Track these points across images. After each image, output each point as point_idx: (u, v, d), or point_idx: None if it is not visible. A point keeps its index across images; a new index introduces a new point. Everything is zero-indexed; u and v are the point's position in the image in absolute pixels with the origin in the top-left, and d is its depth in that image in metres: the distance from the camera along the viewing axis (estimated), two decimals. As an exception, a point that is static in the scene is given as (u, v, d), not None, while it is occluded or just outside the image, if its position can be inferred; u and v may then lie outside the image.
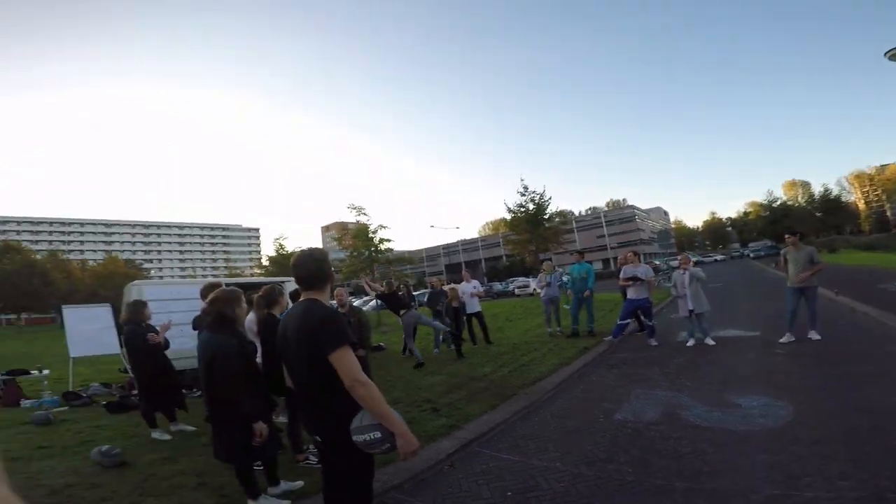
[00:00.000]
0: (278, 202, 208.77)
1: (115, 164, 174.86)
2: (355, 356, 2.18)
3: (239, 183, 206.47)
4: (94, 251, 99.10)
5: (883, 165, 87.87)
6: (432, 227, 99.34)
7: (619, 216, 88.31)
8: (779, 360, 6.47)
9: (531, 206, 28.81)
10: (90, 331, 8.82)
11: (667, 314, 12.76)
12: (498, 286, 42.53)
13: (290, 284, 10.18)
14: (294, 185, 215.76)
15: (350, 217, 21.10)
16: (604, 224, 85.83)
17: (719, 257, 65.98)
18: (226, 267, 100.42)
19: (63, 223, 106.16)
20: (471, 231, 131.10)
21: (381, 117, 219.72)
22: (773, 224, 70.83)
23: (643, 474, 3.47)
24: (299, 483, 3.72)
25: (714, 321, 9.98)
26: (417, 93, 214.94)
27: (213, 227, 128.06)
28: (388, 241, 20.75)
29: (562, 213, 42.17)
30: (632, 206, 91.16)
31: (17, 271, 45.47)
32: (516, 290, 35.24)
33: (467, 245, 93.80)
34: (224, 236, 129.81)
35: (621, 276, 9.07)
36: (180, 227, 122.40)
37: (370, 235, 20.34)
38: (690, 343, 8.16)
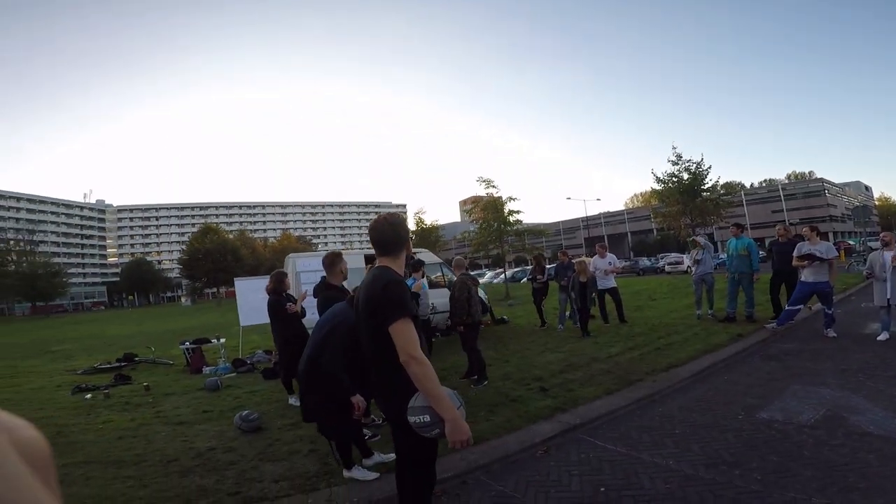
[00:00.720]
0: (424, 180, 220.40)
1: (287, 152, 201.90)
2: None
3: (392, 164, 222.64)
4: (274, 230, 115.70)
5: None
6: (569, 198, 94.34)
7: (803, 189, 74.49)
8: None
9: (685, 176, 25.56)
10: (258, 300, 10.07)
11: (857, 302, 10.33)
12: (645, 262, 39.32)
13: (423, 255, 10.74)
14: (439, 163, 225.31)
15: (480, 190, 21.12)
16: (782, 197, 73.18)
17: None
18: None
19: (249, 206, 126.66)
20: (616, 204, 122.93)
21: (524, 90, 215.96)
22: None
23: (774, 485, 2.80)
24: (392, 455, 3.77)
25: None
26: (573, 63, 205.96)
27: (367, 205, 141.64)
28: (518, 212, 20.32)
29: (728, 185, 36.90)
30: (820, 179, 76.08)
31: (215, 249, 55.66)
32: (667, 266, 32.10)
33: (610, 218, 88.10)
34: (377, 212, 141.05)
35: (794, 253, 7.48)
36: (341, 205, 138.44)
37: (499, 207, 20.13)
38: (883, 337, 6.46)
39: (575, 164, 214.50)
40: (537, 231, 23.87)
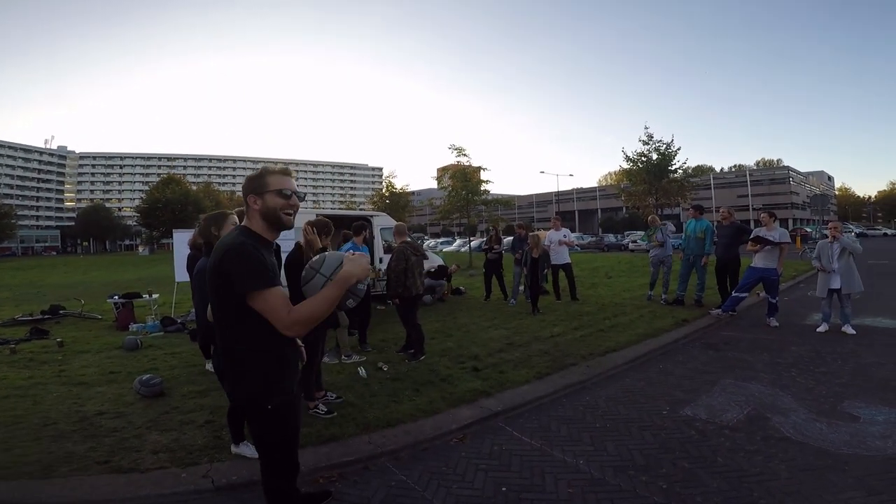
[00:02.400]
0: (404, 147, 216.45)
1: (263, 107, 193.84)
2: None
3: (372, 129, 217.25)
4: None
5: None
6: (542, 172, 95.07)
7: (769, 176, 76.52)
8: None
9: (654, 156, 25.49)
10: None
11: (804, 290, 10.50)
12: (611, 238, 39.88)
13: (380, 220, 10.31)
14: (420, 131, 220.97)
15: (452, 158, 20.56)
16: (748, 183, 75.07)
17: (890, 231, 54.68)
18: (342, 202, 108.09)
19: (219, 159, 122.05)
20: (590, 180, 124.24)
21: (504, 62, 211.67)
22: None
23: (677, 496, 2.63)
24: None
25: (866, 306, 7.93)
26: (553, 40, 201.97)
27: (342, 166, 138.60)
28: (487, 182, 19.93)
29: (698, 168, 37.20)
30: (786, 167, 78.11)
31: (175, 199, 53.74)
32: (630, 244, 32.60)
33: (582, 194, 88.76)
34: (352, 174, 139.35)
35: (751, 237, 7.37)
36: (315, 164, 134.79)
37: (469, 176, 19.68)
38: (822, 329, 6.52)
39: (553, 140, 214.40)
40: (505, 202, 23.56)
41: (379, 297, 8.68)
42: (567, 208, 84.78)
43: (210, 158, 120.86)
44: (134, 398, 4.38)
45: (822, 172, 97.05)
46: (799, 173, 79.76)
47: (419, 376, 4.85)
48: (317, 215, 9.21)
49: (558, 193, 60.87)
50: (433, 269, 9.98)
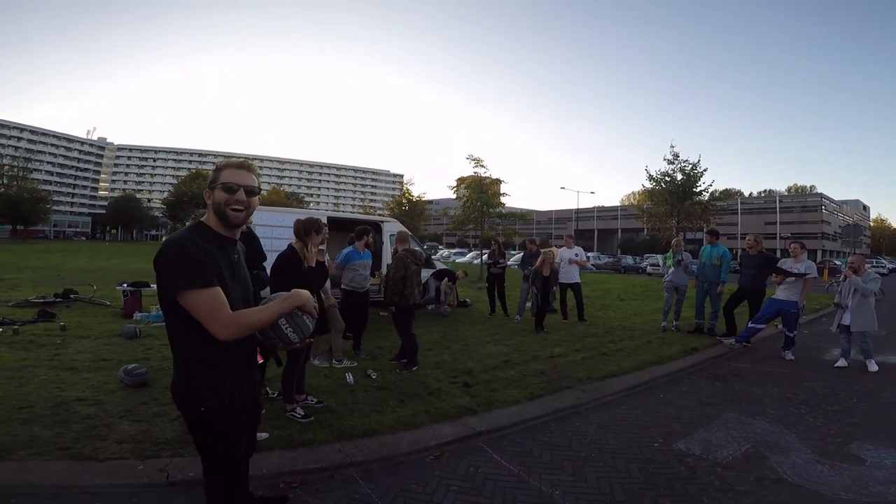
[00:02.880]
0: (425, 154, 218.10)
1: (293, 108, 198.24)
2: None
3: (395, 133, 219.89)
4: (268, 184, 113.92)
5: None
6: (563, 188, 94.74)
7: (801, 203, 74.13)
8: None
9: (679, 177, 24.88)
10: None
11: (827, 324, 9.99)
12: (628, 260, 39.18)
13: (390, 226, 10.26)
14: (440, 138, 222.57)
15: (470, 168, 20.50)
16: (777, 209, 72.94)
17: None
18: (362, 206, 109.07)
19: (247, 158, 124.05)
20: (612, 199, 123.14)
21: (531, 75, 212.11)
22: None
23: None
24: (263, 435, 3.36)
25: (891, 343, 7.52)
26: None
27: (364, 171, 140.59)
28: (504, 195, 19.80)
29: (726, 192, 36.37)
30: (819, 194, 75.64)
31: (200, 194, 55.42)
32: (649, 267, 31.92)
33: (604, 213, 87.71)
34: (373, 179, 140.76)
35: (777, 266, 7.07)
36: (338, 168, 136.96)
37: (485, 187, 19.58)
38: (840, 364, 6.21)
39: (577, 156, 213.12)
40: (521, 216, 23.36)
41: (380, 302, 8.60)
42: (586, 227, 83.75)
43: (238, 157, 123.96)
44: (116, 386, 4.37)
45: (857, 201, 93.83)
46: (832, 201, 77.16)
47: (407, 387, 4.72)
48: (327, 217, 9.35)
49: (578, 211, 60.18)
50: (436, 269, 9.86)
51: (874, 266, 40.09)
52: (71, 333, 6.64)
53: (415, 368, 5.36)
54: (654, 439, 3.77)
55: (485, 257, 22.69)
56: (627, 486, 3.01)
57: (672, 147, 25.45)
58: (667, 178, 25.04)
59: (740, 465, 3.31)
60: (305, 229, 3.92)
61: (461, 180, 22.61)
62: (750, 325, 7.17)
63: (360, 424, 3.73)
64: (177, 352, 1.76)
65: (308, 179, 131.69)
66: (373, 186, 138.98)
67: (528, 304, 9.45)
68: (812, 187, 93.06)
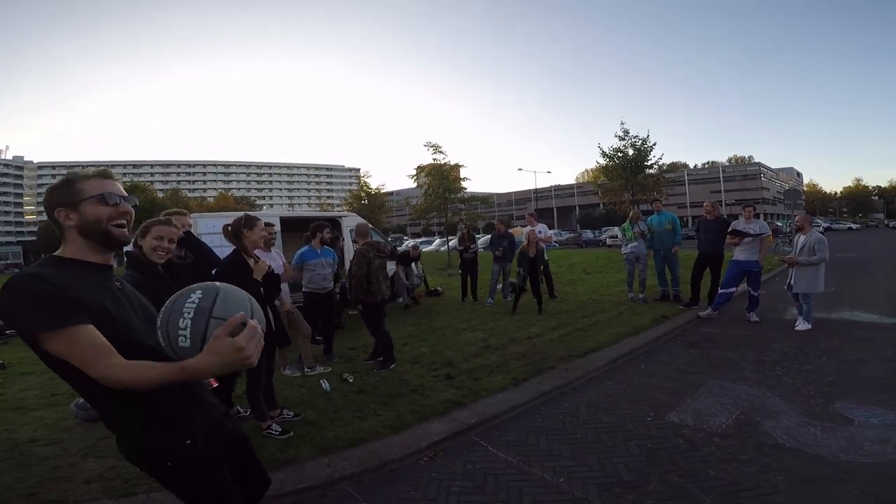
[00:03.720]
0: (381, 145, 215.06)
1: (234, 110, 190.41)
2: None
3: (347, 126, 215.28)
4: (215, 189, 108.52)
5: None
6: (520, 170, 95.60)
7: (742, 172, 78.29)
8: (927, 361, 4.66)
9: (630, 152, 25.54)
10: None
11: (780, 284, 10.43)
12: (588, 234, 40.12)
13: (350, 220, 9.87)
14: (395, 129, 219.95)
15: (428, 156, 20.22)
16: (721, 179, 76.55)
17: (854, 226, 56.56)
18: (318, 203, 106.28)
19: (188, 165, 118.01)
20: (568, 177, 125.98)
21: (481, 61, 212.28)
22: None
23: None
24: None
25: (842, 300, 7.91)
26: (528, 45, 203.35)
27: (318, 168, 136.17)
28: (465, 179, 19.66)
29: (673, 165, 37.54)
30: (758, 163, 80.00)
31: (139, 208, 52.07)
32: (608, 239, 32.75)
33: (561, 191, 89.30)
34: (328, 175, 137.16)
35: (729, 229, 7.23)
36: (289, 167, 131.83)
37: (445, 174, 19.38)
38: (801, 326, 6.34)
39: (531, 137, 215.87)
40: (483, 199, 23.33)
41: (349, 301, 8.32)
42: (546, 205, 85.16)
43: (179, 164, 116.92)
44: (73, 422, 3.97)
45: (791, 169, 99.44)
46: (770, 169, 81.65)
47: (387, 387, 4.51)
48: (280, 218, 8.88)
49: (536, 191, 61.05)
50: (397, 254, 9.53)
51: (813, 226, 43.05)
52: (13, 371, 6.09)
53: (392, 366, 5.15)
54: (646, 413, 3.73)
55: (452, 243, 22.63)
56: (632, 465, 2.94)
57: (622, 124, 26.03)
58: (619, 153, 25.64)
59: (736, 432, 3.30)
60: (234, 230, 3.41)
61: (420, 168, 22.28)
62: (720, 291, 7.29)
63: (345, 434, 3.51)
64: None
65: (258, 181, 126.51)
66: (328, 183, 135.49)
67: (499, 287, 9.39)
68: (751, 157, 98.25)
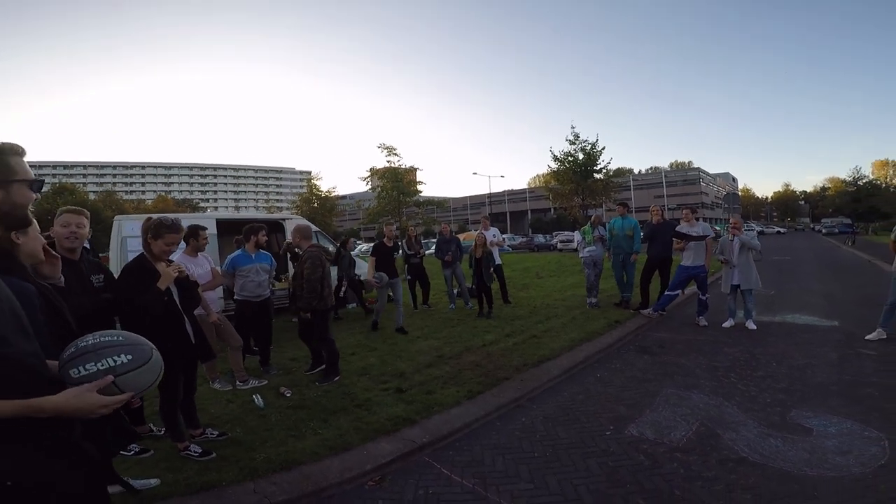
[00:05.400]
0: (333, 150, 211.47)
1: (176, 110, 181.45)
2: None
3: (298, 130, 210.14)
4: (155, 192, 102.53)
5: None
6: (475, 174, 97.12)
7: (683, 177, 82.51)
8: (867, 365, 4.80)
9: (580, 156, 26.20)
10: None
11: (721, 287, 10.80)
12: (540, 238, 40.82)
13: (294, 223, 9.33)
14: (348, 133, 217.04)
15: (382, 159, 19.80)
16: (664, 184, 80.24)
17: (782, 230, 61.17)
18: (266, 206, 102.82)
19: (126, 166, 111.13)
20: (521, 182, 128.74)
21: (435, 67, 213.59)
22: (856, 202, 62.69)
23: None
24: (153, 481, 2.67)
25: (781, 303, 8.23)
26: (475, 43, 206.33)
27: (266, 170, 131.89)
28: (420, 182, 19.38)
29: (619, 170, 38.86)
30: (697, 168, 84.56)
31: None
32: (559, 243, 33.40)
33: (514, 195, 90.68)
34: (277, 178, 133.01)
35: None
36: (236, 168, 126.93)
37: (399, 177, 19.04)
38: (727, 324, 6.71)
39: (487, 142, 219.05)
40: (438, 203, 23.15)
41: (285, 309, 7.84)
42: (499, 210, 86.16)
43: (115, 165, 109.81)
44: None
45: (727, 174, 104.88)
46: (708, 174, 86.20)
47: (330, 402, 4.13)
48: (216, 220, 8.23)
49: (490, 195, 61.55)
50: (359, 278, 9.17)
51: (747, 229, 46.05)
52: None
53: (336, 379, 4.75)
54: (605, 427, 3.56)
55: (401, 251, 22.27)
56: (593, 486, 2.73)
57: (573, 128, 26.64)
58: (569, 157, 26.23)
59: (697, 446, 3.18)
60: (142, 235, 3.07)
61: (374, 171, 21.80)
62: (666, 293, 7.41)
63: (276, 455, 3.12)
64: None
65: (202, 184, 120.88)
66: (277, 185, 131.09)
67: (455, 291, 9.13)
68: (690, 162, 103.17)
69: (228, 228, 8.50)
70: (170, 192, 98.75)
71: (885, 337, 5.63)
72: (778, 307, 8.01)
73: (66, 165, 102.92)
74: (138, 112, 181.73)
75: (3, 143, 1.27)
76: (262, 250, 5.19)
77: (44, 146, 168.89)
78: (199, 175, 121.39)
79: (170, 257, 3.18)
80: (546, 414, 3.89)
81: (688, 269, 7.13)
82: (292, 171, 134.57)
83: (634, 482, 2.76)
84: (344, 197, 37.92)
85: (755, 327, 6.48)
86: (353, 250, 9.75)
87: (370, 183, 21.10)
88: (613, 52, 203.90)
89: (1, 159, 1.25)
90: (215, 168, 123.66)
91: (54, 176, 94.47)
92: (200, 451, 3.10)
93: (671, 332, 6.70)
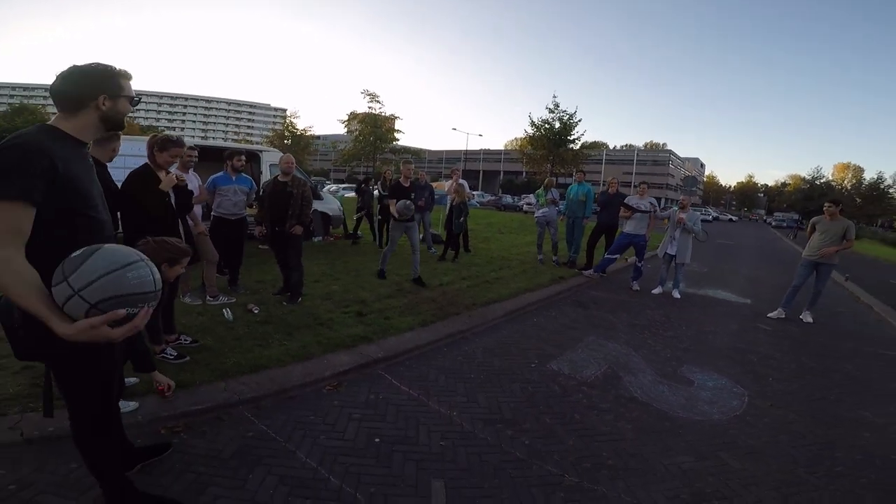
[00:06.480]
0: (314, 91, 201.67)
1: (150, 36, 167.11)
2: None
3: (277, 67, 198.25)
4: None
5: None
6: (454, 129, 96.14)
7: (653, 157, 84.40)
8: (759, 337, 5.65)
9: (557, 125, 26.54)
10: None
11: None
12: (508, 199, 41.47)
13: (269, 155, 9.40)
14: (331, 77, 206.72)
15: (364, 104, 19.48)
16: (635, 161, 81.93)
17: (734, 218, 64.36)
18: (235, 139, 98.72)
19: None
20: (498, 143, 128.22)
21: (427, 20, 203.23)
22: (808, 200, 66.01)
23: (537, 454, 2.78)
24: (132, 380, 3.03)
25: (710, 279, 9.13)
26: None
27: (240, 104, 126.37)
28: (399, 131, 19.30)
29: (595, 144, 39.34)
30: (669, 151, 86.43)
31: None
32: (525, 206, 34.11)
33: (489, 155, 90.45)
34: (250, 113, 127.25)
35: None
36: (207, 100, 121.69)
37: (379, 123, 18.88)
38: (657, 291, 7.52)
39: (469, 100, 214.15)
40: (414, 152, 23.15)
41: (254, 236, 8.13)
42: (473, 167, 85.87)
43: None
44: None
45: (696, 159, 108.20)
46: (678, 157, 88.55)
47: (295, 320, 4.57)
48: (194, 146, 8.22)
49: (467, 152, 61.18)
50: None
51: (702, 213, 48.38)
52: None
53: (300, 300, 5.18)
54: (531, 360, 4.20)
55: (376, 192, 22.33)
56: (513, 405, 3.34)
57: (554, 97, 26.91)
58: (546, 125, 26.51)
59: (601, 384, 3.84)
60: (148, 149, 3.46)
61: (354, 115, 21.38)
62: (606, 256, 8.15)
63: (245, 360, 3.53)
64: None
65: (170, 112, 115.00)
66: (249, 119, 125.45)
67: (420, 236, 9.57)
68: (664, 144, 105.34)
69: (206, 154, 8.58)
70: (135, 118, 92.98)
71: (783, 316, 6.54)
72: (704, 282, 8.92)
73: (25, 87, 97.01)
74: (112, 35, 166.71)
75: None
76: (242, 174, 5.47)
77: (9, 66, 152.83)
78: (168, 103, 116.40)
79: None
80: (486, 346, 4.50)
81: (629, 235, 7.82)
82: (267, 107, 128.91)
83: (546, 405, 3.39)
84: (318, 137, 36.82)
85: (679, 297, 7.31)
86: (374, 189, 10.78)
87: (349, 127, 20.79)
88: (607, 15, 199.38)
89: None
90: (186, 98, 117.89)
91: (12, 97, 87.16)
92: (175, 354, 3.47)
93: (607, 292, 7.44)
